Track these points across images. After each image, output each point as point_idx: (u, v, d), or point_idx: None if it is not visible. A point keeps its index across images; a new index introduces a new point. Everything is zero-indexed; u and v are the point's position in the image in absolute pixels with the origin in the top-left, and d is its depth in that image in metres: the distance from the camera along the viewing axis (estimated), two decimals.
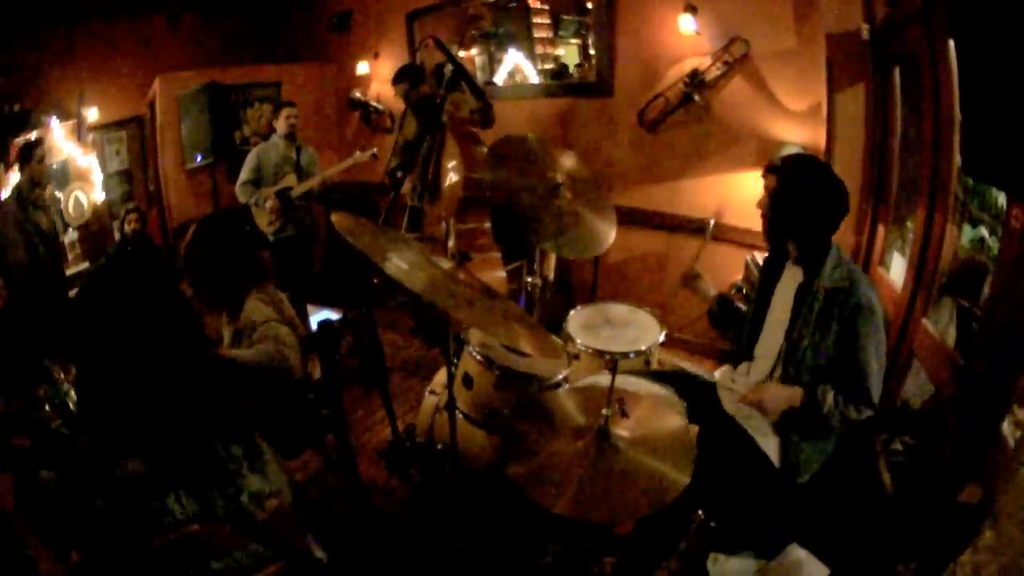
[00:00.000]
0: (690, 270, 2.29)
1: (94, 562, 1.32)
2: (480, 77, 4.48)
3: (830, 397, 1.72)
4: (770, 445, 1.83)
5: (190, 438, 1.47)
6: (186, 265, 1.98)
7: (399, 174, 3.83)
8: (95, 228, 4.54)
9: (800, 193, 1.76)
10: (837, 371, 1.74)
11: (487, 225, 3.58)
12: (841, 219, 1.78)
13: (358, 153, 4.08)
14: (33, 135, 4.04)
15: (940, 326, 2.05)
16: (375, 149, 4.10)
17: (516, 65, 4.39)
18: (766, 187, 1.87)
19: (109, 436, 1.42)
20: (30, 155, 3.58)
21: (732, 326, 2.17)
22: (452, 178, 3.61)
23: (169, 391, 1.42)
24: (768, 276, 1.99)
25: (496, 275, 3.37)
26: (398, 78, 3.77)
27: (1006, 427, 1.46)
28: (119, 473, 1.39)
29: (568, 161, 2.57)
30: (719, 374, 2.15)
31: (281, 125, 4.02)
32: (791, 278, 1.89)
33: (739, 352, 2.07)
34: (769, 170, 1.87)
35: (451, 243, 3.49)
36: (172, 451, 1.44)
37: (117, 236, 4.52)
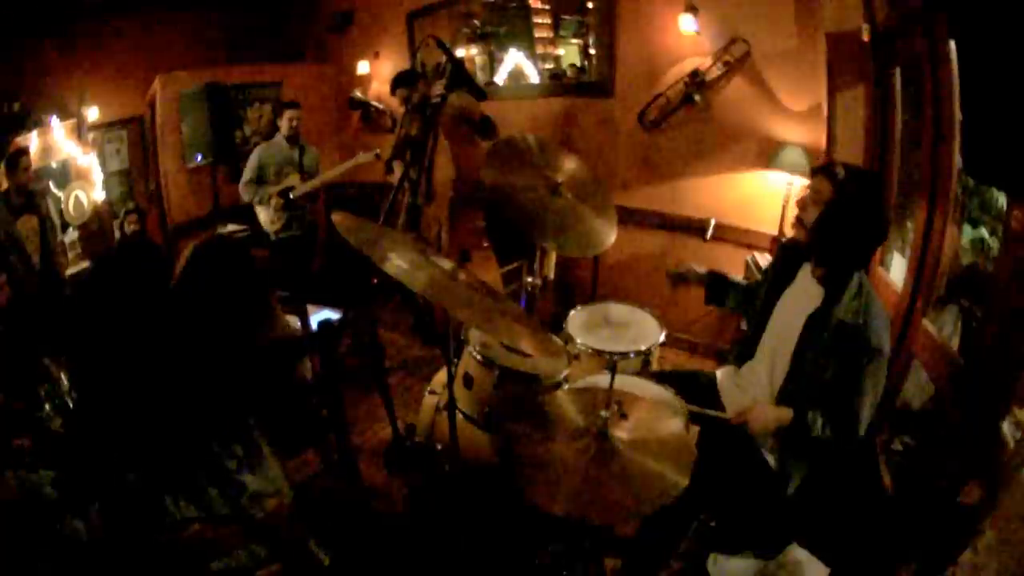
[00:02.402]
0: (671, 270, 2.24)
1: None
2: (481, 77, 4.48)
3: (819, 424, 1.66)
4: (767, 448, 1.83)
5: (187, 437, 1.47)
6: (177, 291, 1.92)
7: (394, 164, 3.85)
8: (95, 228, 4.53)
9: (858, 217, 1.64)
10: (831, 401, 1.68)
11: (480, 224, 3.60)
12: (876, 249, 1.73)
13: (361, 154, 4.07)
14: (33, 135, 4.04)
15: (945, 333, 2.03)
16: (378, 150, 4.10)
17: (517, 65, 4.39)
18: (816, 191, 1.69)
19: (106, 436, 1.42)
20: (16, 164, 3.57)
21: (730, 295, 2.14)
22: (444, 177, 3.64)
23: (165, 388, 1.42)
24: (781, 277, 1.93)
25: (491, 274, 3.38)
26: (395, 86, 3.75)
27: (1006, 427, 1.45)
28: (117, 475, 1.39)
29: (567, 160, 2.57)
30: (721, 375, 2.14)
31: (284, 126, 4.03)
32: (805, 290, 1.82)
33: (741, 349, 2.05)
34: (825, 174, 1.68)
35: (444, 242, 3.50)
36: (169, 451, 1.44)
37: (117, 235, 4.52)
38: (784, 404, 1.78)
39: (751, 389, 1.96)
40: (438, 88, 2.31)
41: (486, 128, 3.60)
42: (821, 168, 1.74)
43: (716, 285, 2.16)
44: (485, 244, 3.65)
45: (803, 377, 1.74)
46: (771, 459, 1.81)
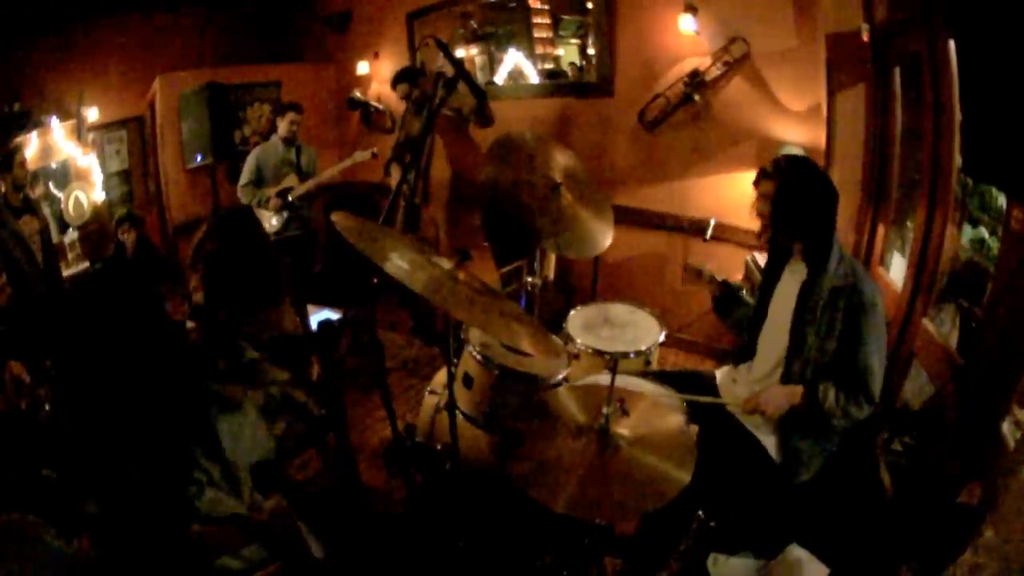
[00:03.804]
0: (691, 265, 2.29)
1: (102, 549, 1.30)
2: (480, 77, 4.48)
3: (831, 394, 1.71)
4: (771, 443, 1.83)
5: (168, 444, 1.43)
6: (194, 260, 1.94)
7: (392, 167, 3.86)
8: (95, 228, 4.53)
9: (803, 193, 1.78)
10: (840, 367, 1.74)
11: (477, 224, 3.61)
12: (836, 210, 1.81)
13: (358, 153, 4.08)
14: (33, 135, 4.03)
15: (943, 331, 2.04)
16: (375, 148, 4.11)
17: (516, 65, 4.39)
18: (764, 194, 1.87)
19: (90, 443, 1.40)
20: (10, 161, 3.56)
21: (735, 311, 2.18)
22: (440, 178, 3.64)
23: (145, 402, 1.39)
24: (769, 276, 1.99)
25: (488, 274, 3.39)
26: (397, 80, 3.78)
27: (1006, 427, 1.46)
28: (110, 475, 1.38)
29: (567, 160, 2.57)
30: (720, 374, 2.15)
31: (283, 127, 4.03)
32: (793, 277, 1.89)
33: (740, 350, 2.07)
34: (764, 176, 1.86)
35: (442, 242, 3.51)
36: (152, 457, 1.42)
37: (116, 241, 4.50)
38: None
39: (751, 385, 1.97)
40: (440, 92, 2.32)
41: (482, 114, 3.57)
42: (761, 175, 1.88)
43: (727, 295, 2.19)
44: (483, 244, 3.66)
45: (805, 355, 1.78)
46: (773, 449, 1.82)
